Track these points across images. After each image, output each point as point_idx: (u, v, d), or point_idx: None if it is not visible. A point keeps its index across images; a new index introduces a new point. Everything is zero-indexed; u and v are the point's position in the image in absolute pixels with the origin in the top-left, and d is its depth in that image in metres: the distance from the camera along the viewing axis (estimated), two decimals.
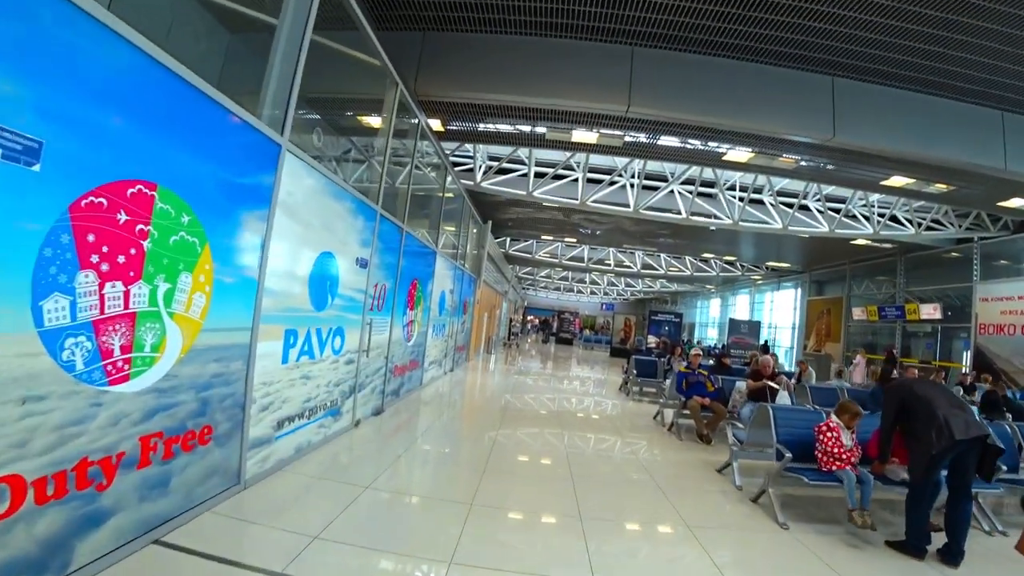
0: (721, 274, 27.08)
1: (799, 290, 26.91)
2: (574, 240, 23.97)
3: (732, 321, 18.10)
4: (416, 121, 7.80)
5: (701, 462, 6.23)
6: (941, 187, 13.15)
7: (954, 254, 18.06)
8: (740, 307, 33.96)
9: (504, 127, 12.00)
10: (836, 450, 4.43)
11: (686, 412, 7.45)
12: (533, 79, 8.10)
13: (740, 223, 15.18)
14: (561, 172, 14.95)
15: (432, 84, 8.23)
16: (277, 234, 3.96)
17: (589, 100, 8.23)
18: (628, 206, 14.95)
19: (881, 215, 16.01)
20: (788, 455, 4.52)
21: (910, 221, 16.22)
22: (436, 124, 10.60)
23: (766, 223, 15.65)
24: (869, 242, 18.46)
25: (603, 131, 11.18)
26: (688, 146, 11.96)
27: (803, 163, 12.31)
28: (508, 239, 26.54)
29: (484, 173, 14.17)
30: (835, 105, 8.57)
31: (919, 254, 18.48)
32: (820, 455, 4.54)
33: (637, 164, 15.01)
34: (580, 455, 6.15)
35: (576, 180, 15.05)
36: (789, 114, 8.54)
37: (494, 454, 5.75)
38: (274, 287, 4.03)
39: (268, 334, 4.03)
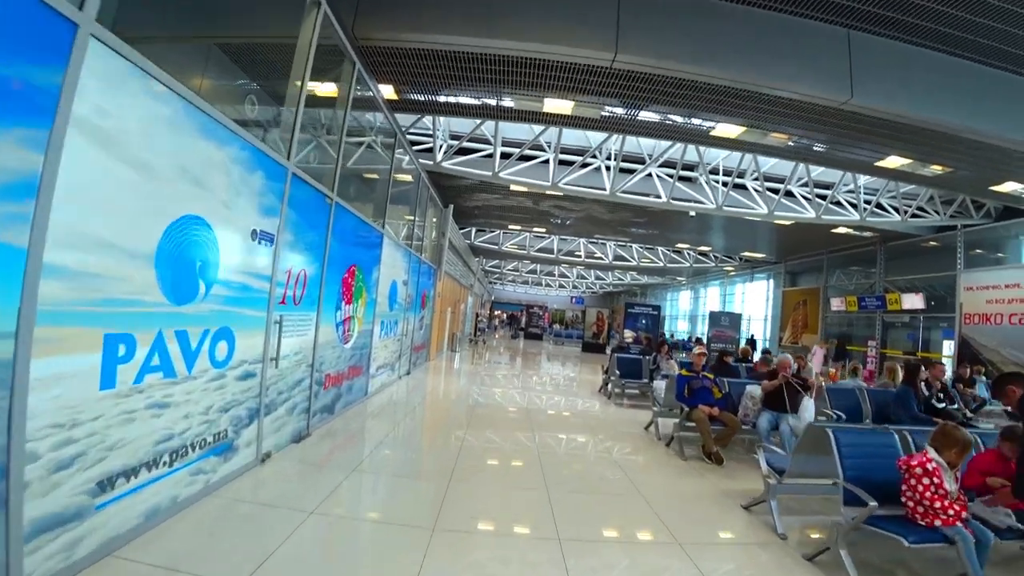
0: (694, 265, 26.14)
1: (771, 281, 26.23)
2: (543, 230, 22.57)
3: (712, 314, 17.02)
4: (354, 69, 6.14)
5: (719, 492, 4.84)
6: (937, 168, 12.29)
7: (933, 243, 17.43)
8: (711, 299, 33.27)
9: (467, 100, 10.47)
10: (939, 503, 3.05)
11: (690, 424, 6.06)
12: (502, 16, 6.56)
13: (724, 208, 14.01)
14: (529, 153, 13.46)
15: (375, 25, 6.59)
16: (73, 171, 2.33)
17: (570, 44, 6.72)
18: (604, 189, 13.59)
19: (867, 202, 15.09)
20: (872, 504, 3.13)
21: (896, 209, 15.38)
22: (388, 91, 9.01)
23: (750, 208, 14.52)
24: (850, 230, 17.65)
25: (580, 99, 9.77)
26: (670, 121, 10.67)
27: (794, 142, 11.19)
28: (474, 230, 24.97)
29: (445, 152, 12.56)
30: (852, 61, 7.30)
31: (899, 243, 17.77)
32: (911, 503, 3.17)
33: (613, 145, 13.66)
34: (564, 484, 4.69)
35: (547, 161, 13.59)
36: (800, 70, 7.23)
37: (452, 492, 4.22)
38: (74, 265, 2.40)
39: (65, 343, 2.40)
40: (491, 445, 5.96)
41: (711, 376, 6.43)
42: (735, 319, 17.20)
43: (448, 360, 14.79)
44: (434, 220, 12.95)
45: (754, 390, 6.35)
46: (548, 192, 15.73)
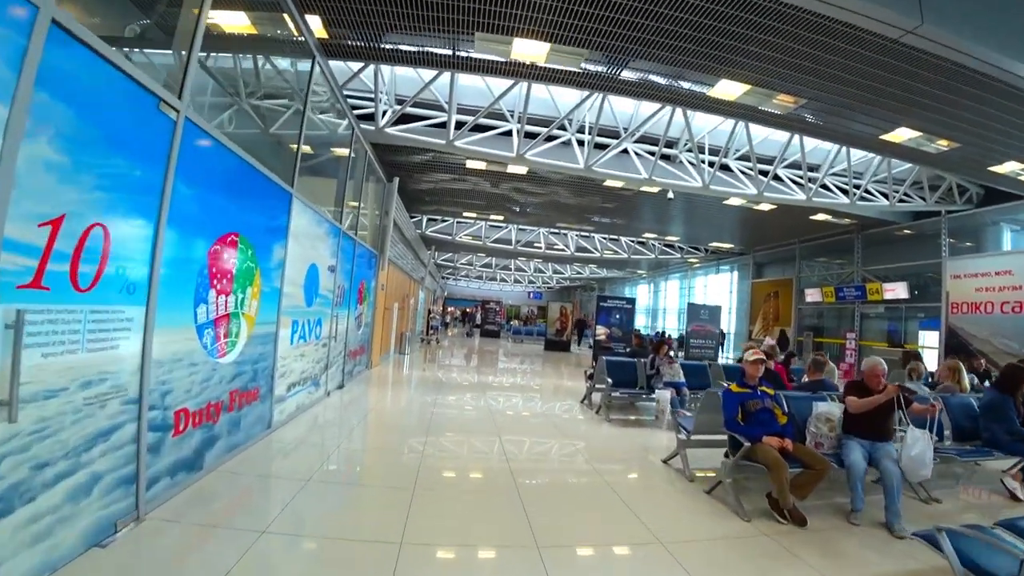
0: (659, 256, 24.64)
1: (735, 273, 25.09)
2: (501, 218, 20.42)
3: (691, 306, 15.33)
4: None
5: None
6: (943, 144, 11.03)
7: (908, 231, 16.41)
8: (671, 292, 32.08)
9: (409, 48, 8.26)
10: None
11: (753, 464, 4.04)
12: None
13: (711, 188, 12.25)
14: (488, 122, 11.27)
15: None
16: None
17: None
18: (576, 164, 11.56)
19: (855, 186, 13.72)
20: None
21: (885, 195, 14.11)
22: (316, 24, 6.69)
23: (737, 188, 12.85)
24: (829, 217, 16.41)
25: (556, 46, 7.74)
26: (658, 81, 8.80)
27: (800, 107, 9.56)
28: (425, 219, 22.53)
29: (389, 119, 10.19)
30: None
31: (876, 231, 16.67)
32: None
33: (588, 114, 11.66)
34: None
35: (509, 133, 11.44)
36: None
37: None
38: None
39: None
40: (454, 509, 3.74)
41: (771, 392, 4.42)
42: (715, 313, 15.59)
43: (395, 365, 12.39)
44: (372, 192, 10.52)
45: (829, 410, 4.41)
46: (510, 171, 13.59)
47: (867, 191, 14.03)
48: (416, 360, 14.11)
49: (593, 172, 11.56)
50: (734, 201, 15.31)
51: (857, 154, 12.80)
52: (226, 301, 4.00)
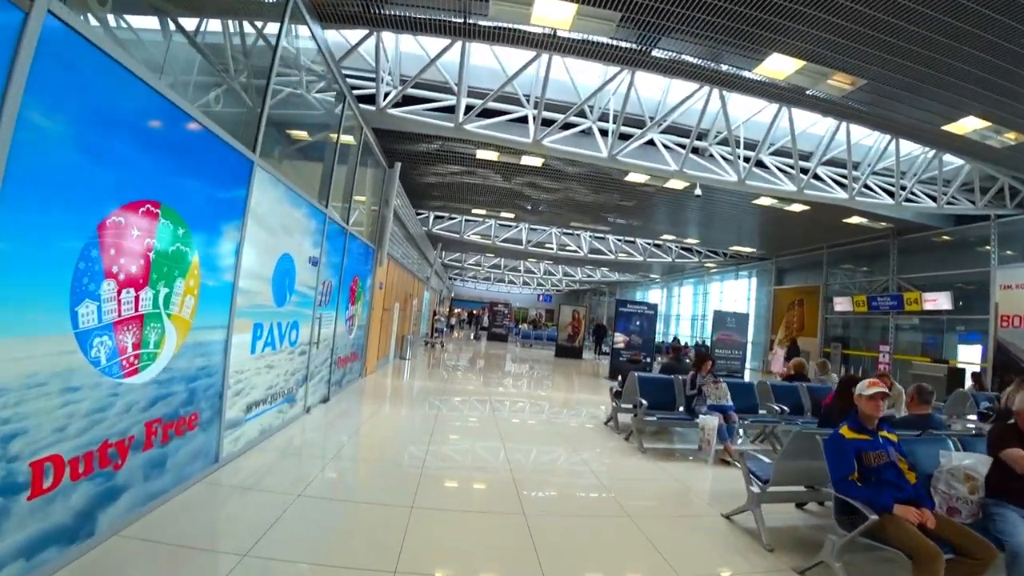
0: (676, 260, 23.36)
1: (754, 279, 23.78)
2: (511, 216, 19.24)
3: (717, 314, 14.05)
4: None
5: None
6: (1010, 138, 9.82)
7: (947, 237, 15.07)
8: (685, 298, 30.77)
9: (414, 14, 7.19)
10: None
11: (882, 548, 2.80)
12: None
13: (746, 183, 10.99)
14: (498, 106, 10.11)
15: None
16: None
17: None
18: (599, 152, 10.34)
19: (902, 187, 12.38)
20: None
21: (932, 197, 12.78)
22: None
23: (774, 184, 11.58)
24: (864, 221, 15.09)
25: (584, 8, 6.64)
26: (699, 57, 7.66)
27: (858, 90, 8.38)
28: (432, 216, 21.39)
29: (389, 99, 9.04)
30: None
31: (916, 236, 15.34)
32: None
33: (612, 100, 10.47)
34: None
35: (524, 119, 10.26)
36: None
37: None
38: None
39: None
40: None
41: (894, 438, 3.18)
42: (743, 321, 14.31)
43: (394, 373, 11.20)
44: (374, 184, 9.36)
45: (971, 463, 3.16)
46: (523, 162, 12.42)
47: (911, 192, 12.70)
48: (418, 366, 12.91)
49: (617, 162, 10.35)
50: (764, 201, 14.06)
51: (901, 151, 11.45)
52: (136, 297, 2.81)
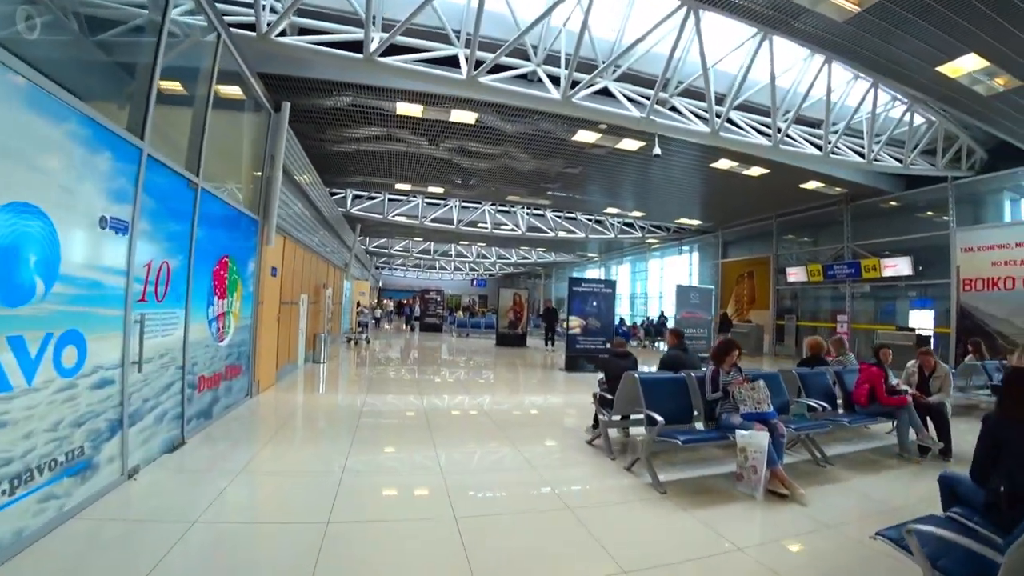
0: (618, 236, 21.92)
1: (695, 254, 22.88)
2: (440, 191, 16.85)
3: (680, 288, 12.51)
4: None
5: None
6: (999, 84, 8.93)
7: (895, 203, 14.47)
8: (622, 277, 29.69)
9: None
10: None
11: None
12: None
13: (720, 135, 9.32)
14: (415, 43, 7.84)
15: None
16: None
17: None
18: (550, 94, 8.25)
19: (857, 150, 11.30)
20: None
21: (896, 159, 11.81)
22: None
23: (744, 137, 10.02)
24: (820, 185, 14.12)
25: None
26: None
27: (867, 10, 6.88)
28: (350, 195, 18.60)
29: (277, 27, 6.47)
30: None
31: (868, 202, 14.60)
32: None
33: (562, 39, 8.41)
34: None
35: (454, 61, 7.97)
36: None
37: None
38: None
39: None
40: None
41: None
42: (707, 296, 12.87)
43: (302, 383, 8.64)
44: (254, 133, 6.75)
45: None
46: (454, 118, 10.16)
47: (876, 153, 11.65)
48: (335, 371, 10.37)
49: (572, 107, 8.32)
50: (723, 164, 12.65)
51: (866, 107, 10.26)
52: None
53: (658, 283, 26.19)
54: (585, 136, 10.99)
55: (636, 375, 4.58)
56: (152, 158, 3.76)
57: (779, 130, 9.95)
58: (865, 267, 14.16)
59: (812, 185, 14.12)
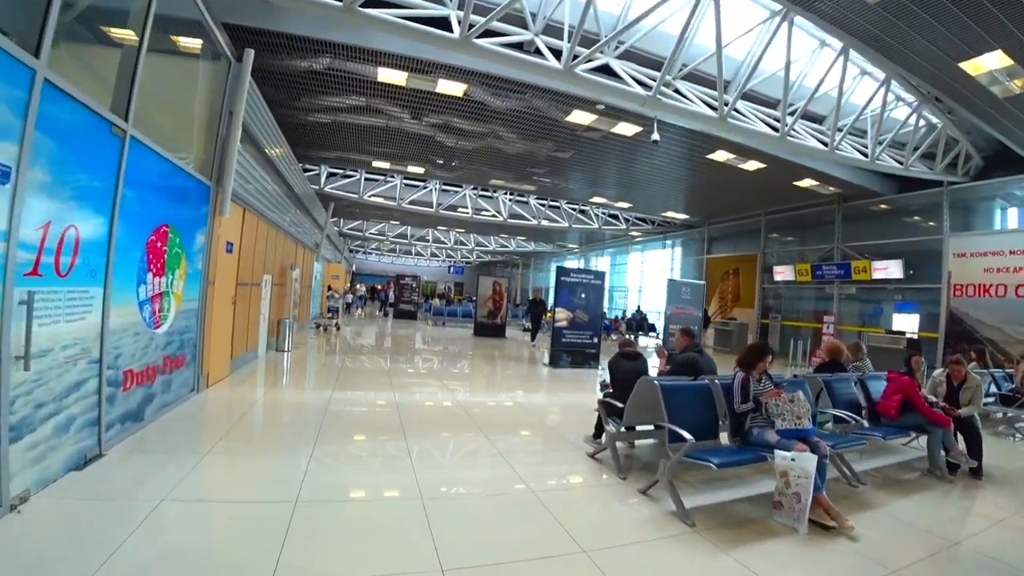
0: (602, 227, 21.28)
1: (678, 248, 22.45)
2: (420, 172, 15.86)
3: (671, 283, 11.89)
4: None
5: None
6: (1017, 85, 8.59)
7: (884, 206, 14.17)
8: (602, 269, 29.16)
9: None
10: None
11: None
12: None
13: (728, 119, 8.64)
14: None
15: None
16: None
17: None
18: (550, 63, 7.42)
19: (860, 149, 10.85)
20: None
21: (900, 161, 11.37)
22: None
23: (749, 125, 9.38)
24: (815, 184, 13.69)
25: None
26: None
27: None
28: (324, 172, 17.44)
29: None
30: None
31: (857, 204, 14.26)
32: None
33: (567, 6, 7.55)
34: None
35: (444, 23, 7.03)
36: None
37: None
38: None
39: None
40: None
41: None
42: (698, 291, 12.30)
43: (262, 375, 7.69)
44: (210, 84, 5.74)
45: None
46: (441, 89, 9.25)
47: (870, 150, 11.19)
48: (300, 362, 9.40)
49: (575, 79, 7.50)
50: (719, 156, 12.07)
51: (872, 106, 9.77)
52: None
53: (638, 277, 25.74)
54: (580, 117, 10.23)
55: (656, 381, 3.86)
56: (53, 86, 2.83)
57: (787, 121, 9.35)
58: (855, 268, 13.82)
59: (806, 183, 13.68)
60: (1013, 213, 12.48)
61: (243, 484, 3.55)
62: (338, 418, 5.34)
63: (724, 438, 4.18)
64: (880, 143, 10.49)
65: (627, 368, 4.61)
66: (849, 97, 9.70)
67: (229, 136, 5.66)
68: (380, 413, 5.74)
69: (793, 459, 3.42)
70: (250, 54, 5.83)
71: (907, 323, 13.67)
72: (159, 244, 4.39)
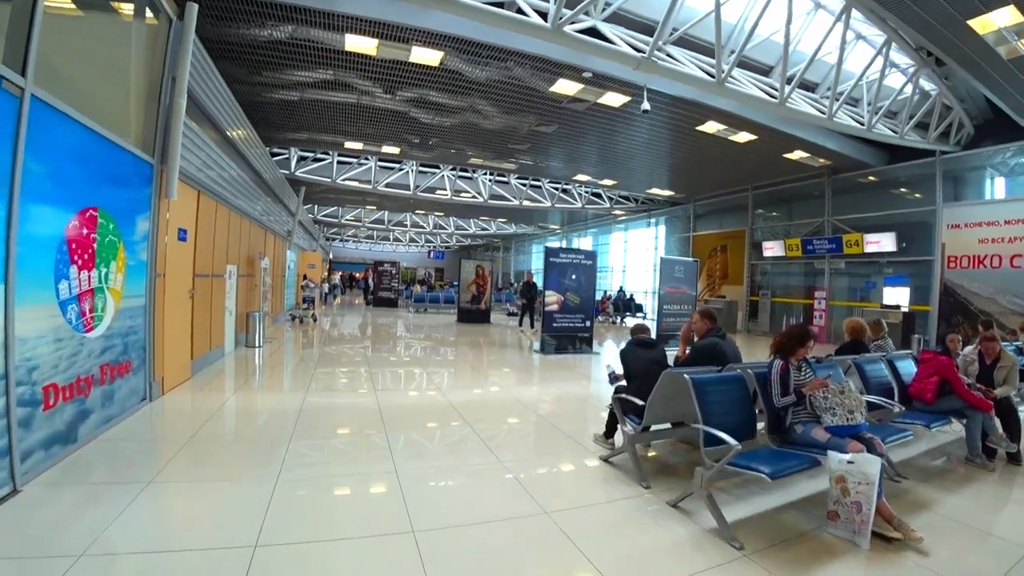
0: (585, 207, 20.69)
1: (662, 227, 22.04)
2: (396, 152, 15.00)
3: (664, 261, 11.35)
4: None
5: None
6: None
7: (872, 178, 13.85)
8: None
9: None
10: None
11: None
12: None
13: (727, 83, 8.04)
14: None
15: None
16: None
17: None
18: (536, 21, 6.70)
19: (856, 117, 10.41)
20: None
21: (895, 131, 10.93)
22: None
23: (744, 91, 8.80)
24: (805, 155, 13.27)
25: None
26: None
27: None
28: (295, 156, 16.46)
29: None
30: None
31: (850, 175, 13.88)
32: None
33: None
34: None
35: None
36: None
37: None
38: None
39: None
40: None
41: None
42: (691, 270, 11.79)
43: (228, 376, 6.95)
44: (146, 47, 4.90)
45: None
46: (415, 58, 8.46)
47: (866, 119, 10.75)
48: (272, 358, 8.64)
49: (563, 39, 6.80)
50: (710, 127, 11.52)
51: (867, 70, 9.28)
52: None
53: (622, 256, 25.29)
54: (565, 87, 9.54)
55: (686, 375, 3.29)
56: None
57: (785, 86, 8.80)
58: (847, 242, 13.51)
59: (797, 155, 13.26)
60: (1002, 183, 12.24)
61: (191, 524, 2.87)
62: (311, 429, 4.64)
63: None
64: (877, 111, 10.04)
65: (644, 358, 4.04)
66: (844, 64, 9.21)
67: (173, 106, 4.85)
68: (360, 420, 5.06)
69: (851, 462, 2.91)
70: (193, 9, 4.99)
71: (898, 297, 13.46)
72: (85, 231, 3.63)
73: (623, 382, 4.31)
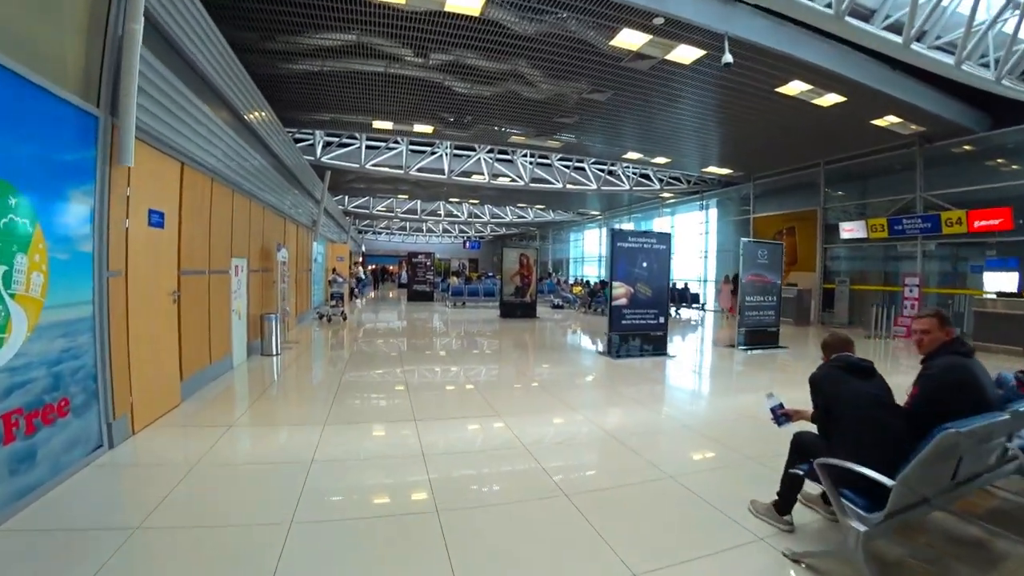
0: (634, 189, 18.85)
1: (713, 210, 20.04)
2: (428, 131, 13.49)
3: (746, 244, 9.51)
4: None
5: None
6: None
7: (969, 146, 11.57)
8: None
9: None
10: None
11: None
12: None
13: (846, 19, 6.22)
14: None
15: None
16: None
17: None
18: None
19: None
20: None
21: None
22: None
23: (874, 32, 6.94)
24: (897, 121, 11.18)
25: None
26: None
27: None
28: (320, 141, 15.18)
29: None
30: None
31: (947, 144, 11.68)
32: None
33: None
34: None
35: None
36: None
37: None
38: None
39: None
40: None
41: None
42: (777, 253, 9.89)
43: (229, 398, 5.56)
44: None
45: None
46: (451, 6, 6.91)
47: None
48: (289, 371, 7.21)
49: None
50: (792, 87, 9.61)
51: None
52: None
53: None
54: (629, 38, 7.84)
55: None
56: None
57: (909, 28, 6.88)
58: (946, 220, 11.36)
59: (887, 121, 11.17)
60: None
61: None
62: (322, 496, 3.17)
63: None
64: (1008, 61, 7.97)
65: (858, 393, 2.41)
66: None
67: (129, 34, 3.41)
68: (396, 480, 3.50)
69: None
70: None
71: (1005, 283, 11.27)
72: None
73: (790, 421, 2.71)
